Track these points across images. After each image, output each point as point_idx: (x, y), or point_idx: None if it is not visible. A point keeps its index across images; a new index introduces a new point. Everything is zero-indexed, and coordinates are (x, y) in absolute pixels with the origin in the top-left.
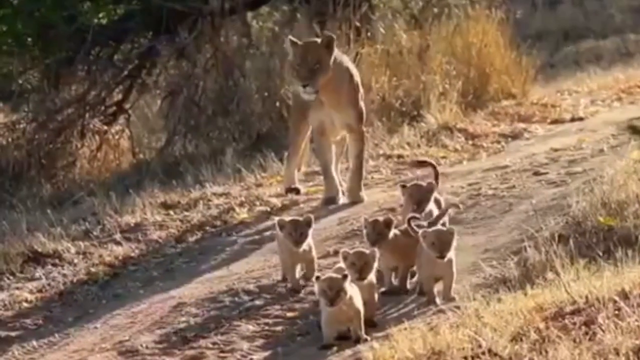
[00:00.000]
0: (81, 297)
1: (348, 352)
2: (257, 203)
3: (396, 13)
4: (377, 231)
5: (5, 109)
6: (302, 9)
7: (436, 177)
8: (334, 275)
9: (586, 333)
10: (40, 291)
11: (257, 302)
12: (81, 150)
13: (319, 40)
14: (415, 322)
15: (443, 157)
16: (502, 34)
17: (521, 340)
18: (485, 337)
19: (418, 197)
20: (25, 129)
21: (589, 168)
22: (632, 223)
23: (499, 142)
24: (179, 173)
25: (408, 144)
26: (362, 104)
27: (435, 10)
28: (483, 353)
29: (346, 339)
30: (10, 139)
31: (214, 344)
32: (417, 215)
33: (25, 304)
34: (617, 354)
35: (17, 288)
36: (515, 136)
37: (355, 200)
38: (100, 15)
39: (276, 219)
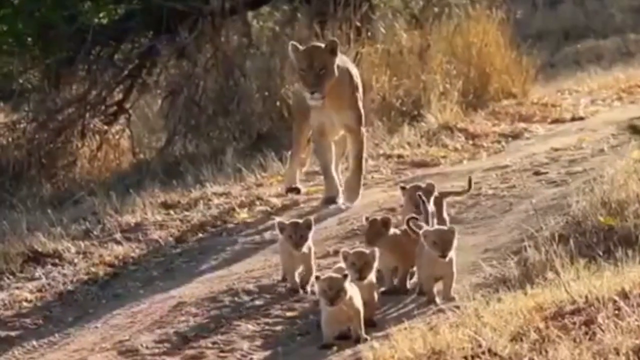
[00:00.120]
0: (81, 297)
1: (348, 351)
2: (258, 203)
3: (397, 13)
4: (374, 230)
5: (6, 109)
6: (303, 9)
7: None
8: (334, 275)
9: (586, 333)
10: (40, 291)
11: (257, 302)
12: (81, 150)
13: (322, 45)
14: (415, 321)
15: (443, 157)
16: (502, 34)
17: (521, 340)
18: (485, 337)
19: (418, 196)
20: (26, 129)
21: (589, 168)
22: (632, 223)
23: (499, 142)
24: (179, 173)
25: (408, 143)
26: (361, 104)
27: (436, 10)
28: (483, 353)
29: (346, 338)
30: (10, 139)
31: (214, 343)
32: (416, 216)
33: (25, 304)
34: (617, 353)
35: (17, 288)
36: (515, 136)
37: (354, 200)
38: (101, 15)
39: (277, 220)
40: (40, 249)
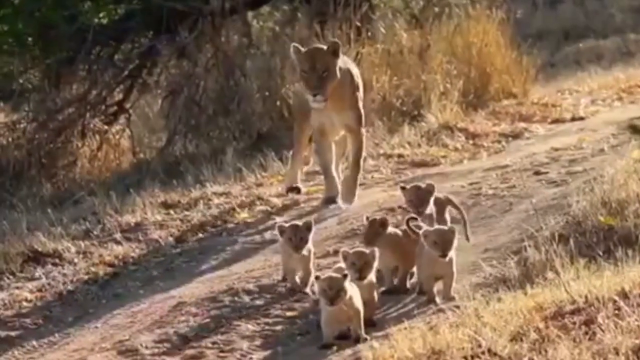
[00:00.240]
0: (81, 297)
1: (348, 351)
2: (258, 203)
3: (397, 13)
4: (373, 230)
5: (6, 109)
6: (303, 9)
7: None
8: (334, 274)
9: (586, 333)
10: (40, 291)
11: (257, 302)
12: (82, 150)
13: (324, 47)
14: (415, 321)
15: (443, 157)
16: (502, 34)
17: (521, 339)
18: (485, 337)
19: (418, 199)
20: (26, 129)
21: (589, 167)
22: (632, 222)
23: (499, 142)
24: (179, 173)
25: (408, 143)
26: (362, 104)
27: (436, 9)
28: (483, 353)
29: (346, 338)
30: (10, 139)
31: (213, 343)
32: (415, 216)
33: (25, 304)
34: (617, 353)
35: (17, 287)
36: (515, 136)
37: (351, 202)
38: (101, 14)
39: (277, 223)
40: (40, 249)
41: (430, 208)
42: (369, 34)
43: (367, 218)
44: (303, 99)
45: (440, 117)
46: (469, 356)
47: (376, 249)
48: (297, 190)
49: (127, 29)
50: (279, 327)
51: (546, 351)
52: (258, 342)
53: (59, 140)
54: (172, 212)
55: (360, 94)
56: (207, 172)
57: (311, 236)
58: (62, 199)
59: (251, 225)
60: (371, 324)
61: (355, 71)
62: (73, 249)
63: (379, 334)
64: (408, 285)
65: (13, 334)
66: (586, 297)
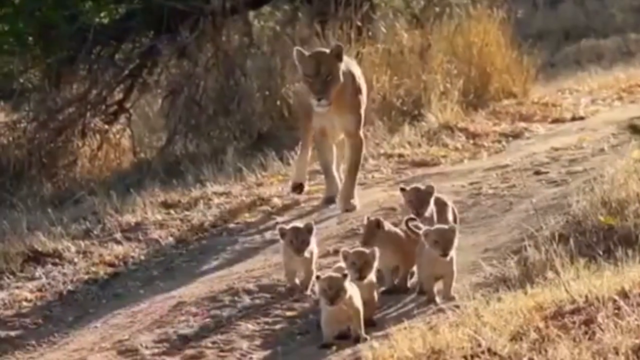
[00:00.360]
0: (81, 297)
1: (348, 351)
2: (258, 202)
3: (397, 12)
4: (368, 231)
5: (6, 108)
6: (304, 9)
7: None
8: (334, 274)
9: (586, 332)
10: (40, 290)
11: (257, 302)
12: (82, 150)
13: (328, 50)
14: (415, 321)
15: (444, 157)
16: (503, 34)
17: (521, 339)
18: (485, 337)
19: (417, 200)
20: (26, 128)
21: (589, 167)
22: (632, 222)
23: (499, 142)
24: (179, 172)
25: (409, 143)
26: (362, 108)
27: (437, 9)
28: (482, 352)
29: (346, 338)
30: (11, 138)
31: (213, 343)
32: (414, 217)
33: (25, 303)
34: (617, 353)
35: (17, 287)
36: (516, 135)
37: (347, 208)
38: (102, 14)
39: (278, 224)
40: (40, 249)
41: (431, 209)
42: (370, 33)
43: (368, 218)
44: (304, 98)
45: (440, 117)
46: (468, 356)
47: (376, 249)
48: (301, 188)
49: (128, 28)
50: (278, 327)
51: (546, 351)
52: (258, 341)
53: (59, 139)
54: (172, 211)
55: (363, 96)
56: (208, 171)
57: (313, 238)
58: (62, 198)
59: (251, 225)
60: (371, 324)
61: (358, 73)
62: (73, 249)
63: (379, 333)
64: (408, 285)
65: (13, 333)
66: (586, 296)
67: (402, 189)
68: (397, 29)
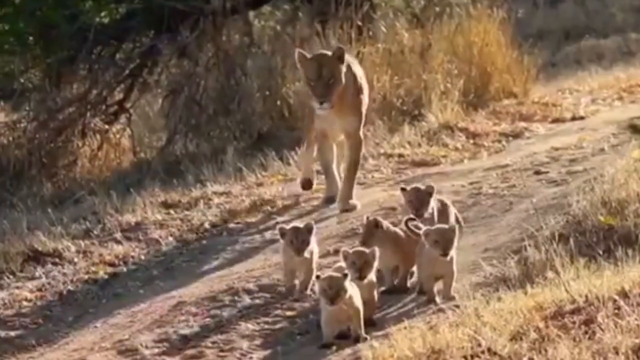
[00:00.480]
0: (81, 296)
1: (347, 351)
2: (258, 202)
3: (398, 12)
4: (366, 231)
5: (7, 108)
6: (304, 8)
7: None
8: (334, 274)
9: (586, 332)
10: (40, 290)
11: (257, 302)
12: (82, 149)
13: (330, 53)
14: (415, 321)
15: (444, 156)
16: (503, 33)
17: (521, 339)
18: (485, 336)
19: (417, 200)
20: (26, 128)
21: (589, 167)
22: (632, 222)
23: (499, 141)
24: (179, 172)
25: (409, 143)
26: (363, 108)
27: (437, 9)
28: (482, 352)
29: (346, 337)
30: (11, 138)
31: (213, 343)
32: (414, 217)
33: (25, 303)
34: (617, 352)
35: (17, 287)
36: (516, 135)
37: (345, 208)
38: (102, 14)
39: (278, 224)
40: (40, 248)
41: (431, 209)
42: (370, 33)
43: (367, 218)
44: (307, 99)
45: (440, 117)
46: (468, 355)
47: (376, 249)
48: (310, 184)
49: (128, 28)
50: (278, 327)
51: (546, 351)
52: (258, 341)
53: (59, 139)
54: (172, 211)
55: (364, 96)
56: (208, 171)
57: (313, 238)
58: (62, 198)
59: (251, 225)
60: (371, 324)
61: (360, 72)
62: (73, 249)
63: (379, 333)
64: (408, 284)
65: (13, 333)
66: (586, 296)
67: (403, 189)
68: (397, 28)
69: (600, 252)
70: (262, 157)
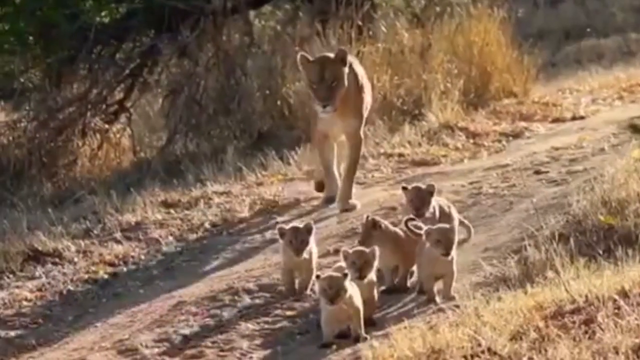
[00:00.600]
0: (81, 296)
1: (347, 350)
2: (258, 202)
3: (398, 12)
4: (364, 231)
5: (7, 108)
6: (305, 8)
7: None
8: (334, 273)
9: (586, 332)
10: (40, 290)
11: (257, 301)
12: (82, 149)
13: (332, 55)
14: (415, 320)
15: (444, 156)
16: (503, 33)
17: (521, 339)
18: (485, 336)
19: (418, 199)
20: (27, 128)
21: (589, 167)
22: (632, 222)
23: (500, 141)
24: (179, 172)
25: (409, 142)
26: (364, 107)
27: (437, 9)
28: (482, 352)
29: (346, 337)
30: (11, 138)
31: (213, 342)
32: (414, 217)
33: (25, 303)
34: (617, 352)
35: (17, 287)
36: (516, 135)
37: (345, 207)
38: (102, 13)
39: (278, 224)
40: (40, 248)
41: (433, 208)
42: (370, 33)
43: (367, 217)
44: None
45: (440, 116)
46: (468, 355)
47: (376, 248)
48: (324, 186)
49: (129, 28)
50: (278, 326)
51: (546, 350)
52: (258, 341)
53: (59, 139)
54: (172, 211)
55: (365, 95)
56: (208, 171)
57: (312, 238)
58: (62, 198)
59: (251, 225)
60: (371, 323)
61: (361, 72)
62: (73, 248)
63: (379, 333)
64: (408, 284)
65: (13, 333)
66: (586, 296)
67: (404, 188)
68: (397, 28)
69: (601, 252)
70: (262, 157)
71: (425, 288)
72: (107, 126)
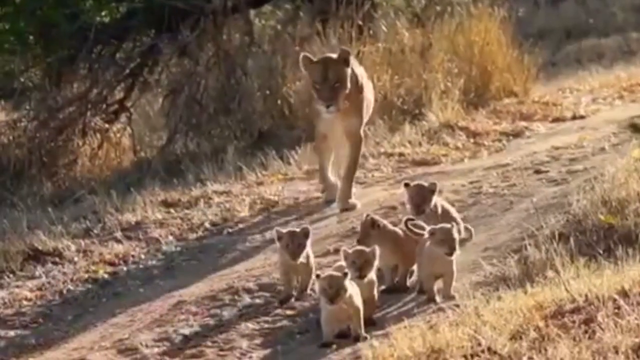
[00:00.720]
0: (81, 296)
1: (347, 350)
2: (258, 201)
3: (398, 11)
4: (363, 231)
5: (7, 107)
6: (305, 7)
7: None
8: (334, 273)
9: (586, 331)
10: (40, 289)
11: (257, 301)
12: (82, 149)
13: (335, 56)
14: (415, 320)
15: (444, 155)
16: (504, 32)
17: (521, 338)
18: (485, 336)
19: (419, 197)
20: (27, 127)
21: (590, 166)
22: (632, 221)
23: (500, 141)
24: (180, 171)
25: (409, 142)
26: (364, 107)
27: (438, 8)
28: (482, 351)
29: (346, 337)
30: (11, 137)
31: (213, 342)
32: (413, 216)
33: (25, 302)
34: (617, 352)
35: (17, 286)
36: (516, 134)
37: (345, 207)
38: (103, 13)
39: (274, 229)
40: (40, 248)
41: (435, 207)
42: (371, 32)
43: (367, 216)
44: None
45: (441, 116)
46: (468, 355)
47: (377, 248)
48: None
49: (129, 27)
50: (278, 326)
51: (546, 350)
52: (258, 340)
53: (59, 138)
54: (172, 210)
55: (366, 94)
56: (208, 170)
57: (309, 242)
58: (62, 197)
59: (251, 224)
60: (371, 323)
61: (360, 71)
62: (73, 248)
63: (379, 332)
64: (408, 284)
65: (13, 332)
66: (586, 295)
67: (406, 184)
68: (398, 27)
69: (601, 252)
70: (262, 156)
71: (425, 287)
72: (107, 126)
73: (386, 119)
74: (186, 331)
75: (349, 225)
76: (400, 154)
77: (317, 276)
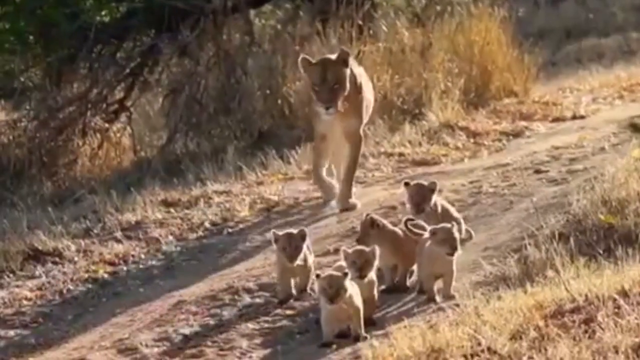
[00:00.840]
0: (81, 295)
1: (347, 350)
2: (258, 201)
3: (399, 11)
4: (362, 231)
5: (7, 107)
6: (305, 7)
7: None
8: (334, 273)
9: (586, 331)
10: (40, 289)
11: (257, 301)
12: (82, 148)
13: (334, 57)
14: (415, 320)
15: (444, 155)
16: (504, 32)
17: (520, 338)
18: (485, 335)
19: (419, 196)
20: (27, 127)
21: (590, 166)
22: (632, 221)
23: (500, 140)
24: (180, 171)
25: (409, 142)
26: (364, 107)
27: (438, 8)
28: (482, 351)
29: (346, 337)
30: (11, 137)
31: (213, 342)
32: (413, 216)
33: (25, 302)
34: (617, 352)
35: (17, 286)
36: (516, 134)
37: (345, 207)
38: (103, 13)
39: (271, 231)
40: (40, 247)
41: (434, 206)
42: (371, 32)
43: (366, 216)
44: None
45: (441, 116)
46: (468, 354)
47: (377, 247)
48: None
49: (129, 27)
50: (278, 326)
51: (546, 350)
52: (258, 340)
53: (59, 138)
54: (172, 210)
55: (365, 94)
56: (208, 170)
57: (305, 245)
58: (62, 197)
59: (251, 224)
60: (371, 323)
61: (359, 71)
62: (73, 248)
63: (379, 332)
64: (408, 283)
65: (13, 332)
66: (586, 295)
67: (406, 183)
68: (398, 27)
69: (601, 251)
70: (262, 156)
71: (425, 287)
72: (107, 125)
73: (386, 118)
74: (186, 331)
75: (349, 225)
76: (400, 154)
77: (317, 276)
